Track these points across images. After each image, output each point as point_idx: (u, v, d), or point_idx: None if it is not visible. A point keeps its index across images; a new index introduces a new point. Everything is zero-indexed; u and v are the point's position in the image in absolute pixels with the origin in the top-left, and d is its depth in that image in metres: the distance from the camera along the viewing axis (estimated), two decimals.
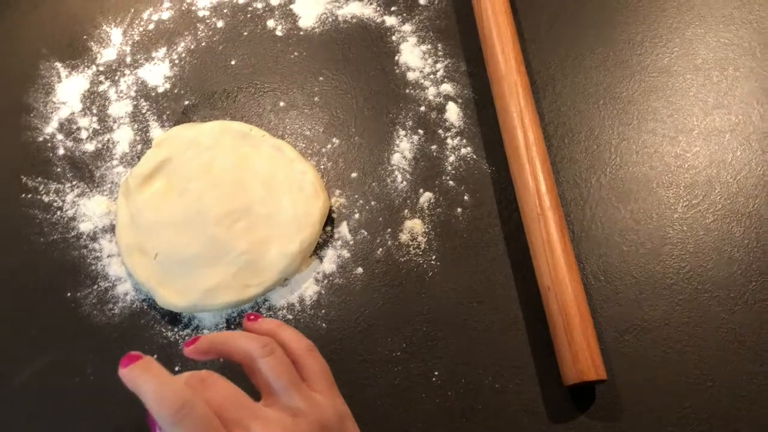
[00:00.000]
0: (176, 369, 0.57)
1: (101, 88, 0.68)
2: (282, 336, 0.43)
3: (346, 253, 0.60)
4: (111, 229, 0.62)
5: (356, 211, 0.62)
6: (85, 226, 0.62)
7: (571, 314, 0.53)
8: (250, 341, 0.41)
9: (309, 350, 0.43)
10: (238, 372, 0.42)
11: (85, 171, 0.65)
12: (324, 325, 0.58)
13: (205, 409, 0.35)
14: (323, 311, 0.58)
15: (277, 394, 0.39)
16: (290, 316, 0.58)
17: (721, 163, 0.61)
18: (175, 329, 0.58)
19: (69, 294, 0.60)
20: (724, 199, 0.60)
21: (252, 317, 0.45)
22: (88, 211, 0.63)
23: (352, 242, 0.61)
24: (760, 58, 0.65)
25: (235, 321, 0.58)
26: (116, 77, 0.68)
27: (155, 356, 0.57)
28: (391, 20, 0.69)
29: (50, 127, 0.67)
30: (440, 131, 0.64)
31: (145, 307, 0.59)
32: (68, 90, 0.68)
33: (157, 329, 0.59)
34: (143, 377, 0.35)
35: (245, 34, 0.69)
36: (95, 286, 0.60)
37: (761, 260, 0.58)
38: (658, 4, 0.68)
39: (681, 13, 0.68)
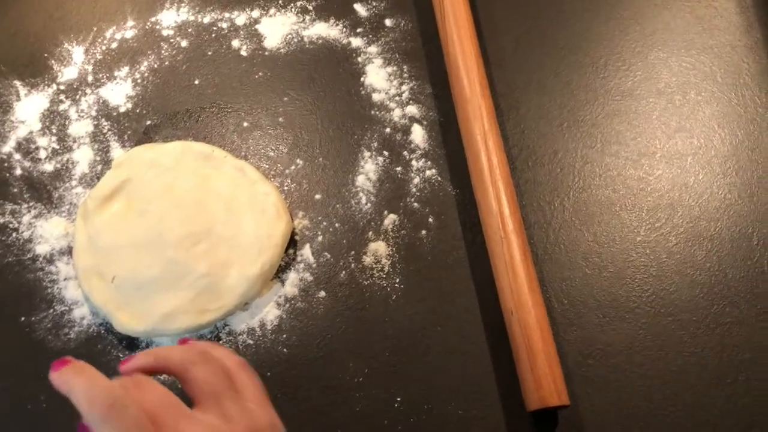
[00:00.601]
0: None
1: (61, 107, 0.67)
2: (215, 353, 0.42)
3: (308, 276, 0.59)
4: (69, 251, 0.61)
5: (320, 233, 0.61)
6: (41, 248, 0.61)
7: (533, 339, 0.53)
8: (186, 351, 0.41)
9: (242, 365, 0.42)
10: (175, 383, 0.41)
11: (43, 192, 0.63)
12: (285, 350, 0.57)
13: (136, 409, 0.34)
14: (284, 336, 0.57)
15: (211, 401, 0.39)
16: (251, 341, 0.57)
17: (684, 187, 0.62)
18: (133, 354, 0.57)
19: (23, 318, 0.59)
20: (687, 222, 0.60)
21: (185, 341, 0.45)
22: (45, 232, 0.62)
23: (314, 265, 0.60)
24: (720, 83, 0.66)
25: None
26: (77, 96, 0.67)
27: None
28: (357, 41, 0.69)
29: (7, 147, 0.65)
30: (405, 153, 0.64)
31: (102, 332, 0.58)
32: (27, 109, 0.67)
33: (114, 354, 0.57)
34: (75, 379, 0.35)
35: (209, 53, 0.69)
36: (51, 310, 0.59)
37: (723, 283, 0.58)
38: (621, 28, 0.69)
39: (644, 37, 0.68)
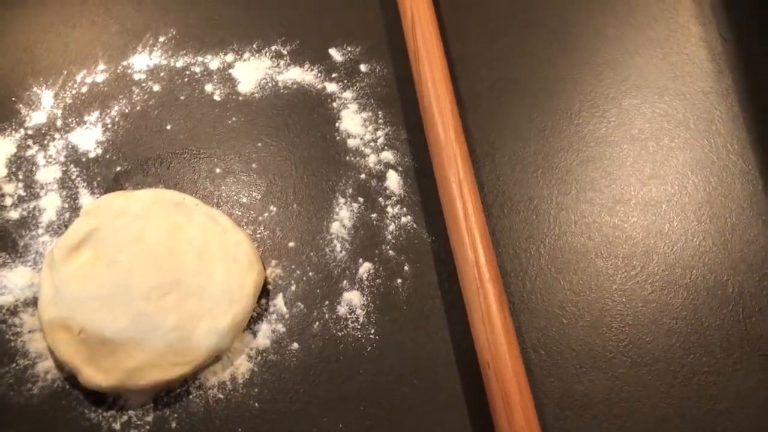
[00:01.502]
0: None
1: (29, 152, 0.65)
2: None
3: (281, 328, 0.58)
4: (33, 302, 0.59)
5: (293, 282, 0.60)
6: (5, 299, 0.59)
7: (511, 392, 0.52)
8: None
9: None
10: None
11: (8, 240, 0.62)
12: (257, 405, 0.55)
13: None
14: (256, 390, 0.56)
15: None
16: (221, 396, 0.56)
17: (659, 234, 0.62)
18: (99, 410, 0.55)
19: None
20: (662, 270, 0.60)
21: None
22: (9, 282, 0.60)
23: (287, 316, 0.59)
24: (693, 129, 0.66)
25: (162, 401, 0.55)
26: (45, 141, 0.66)
27: None
28: (332, 87, 0.68)
29: None
30: (380, 199, 0.63)
31: (67, 387, 0.56)
32: None
33: (79, 410, 0.55)
34: None
35: (182, 98, 0.68)
36: (13, 365, 0.57)
37: (699, 332, 0.58)
38: (595, 74, 0.69)
39: (617, 83, 0.69)
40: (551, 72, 0.69)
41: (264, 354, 0.57)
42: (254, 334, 0.58)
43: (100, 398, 0.56)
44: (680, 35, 0.71)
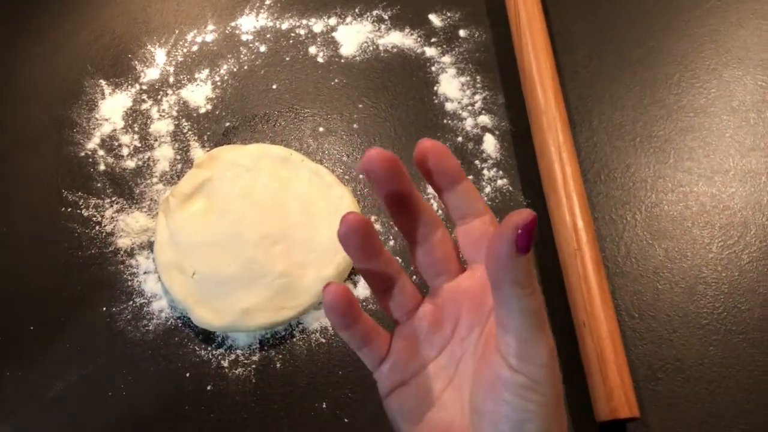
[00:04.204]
0: (208, 388, 0.57)
1: (143, 106, 0.69)
2: None
3: None
4: (148, 245, 0.63)
5: (391, 237, 0.62)
6: (122, 242, 0.63)
7: (606, 351, 0.53)
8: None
9: None
10: None
11: (125, 187, 0.66)
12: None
13: None
14: None
15: None
16: (323, 339, 0.59)
17: (757, 205, 0.62)
18: (209, 348, 0.59)
19: (104, 309, 0.61)
20: (759, 240, 0.60)
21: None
22: (127, 227, 0.64)
23: None
24: None
25: (268, 342, 0.58)
26: (159, 96, 0.69)
27: (187, 374, 0.58)
28: (431, 51, 0.70)
29: (92, 143, 0.68)
30: (477, 162, 0.65)
31: (180, 325, 0.60)
32: (111, 107, 0.69)
33: (190, 347, 0.59)
34: None
35: (287, 59, 0.71)
36: (131, 302, 0.61)
37: None
38: (696, 46, 0.69)
39: (719, 55, 0.68)
40: (651, 42, 0.69)
41: (363, 303, 0.60)
42: (355, 284, 0.60)
43: (209, 337, 0.59)
44: None
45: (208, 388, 0.57)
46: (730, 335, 0.57)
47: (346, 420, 0.56)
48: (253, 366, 0.58)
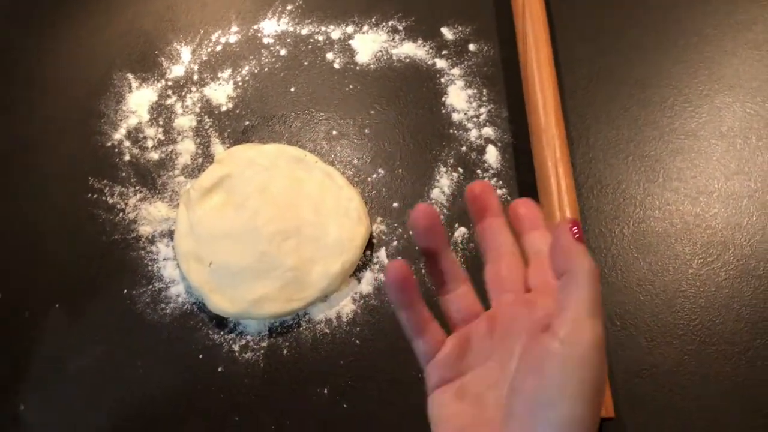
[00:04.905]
0: (219, 369, 0.62)
1: (168, 101, 0.73)
2: None
3: (382, 277, 0.65)
4: (168, 234, 0.67)
5: (395, 238, 0.67)
6: (144, 229, 0.68)
7: None
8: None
9: None
10: None
11: (149, 178, 0.70)
12: (358, 342, 0.63)
13: None
14: (358, 329, 0.63)
15: None
16: (327, 330, 0.63)
17: (737, 226, 0.66)
18: (221, 333, 0.63)
19: (125, 291, 0.65)
20: (737, 259, 0.65)
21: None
22: (149, 215, 0.68)
23: None
24: None
25: (276, 330, 0.63)
26: (183, 93, 0.74)
27: (200, 356, 0.62)
28: (441, 63, 0.74)
29: (119, 134, 0.72)
30: (479, 171, 0.69)
31: (195, 310, 0.65)
32: (138, 100, 0.74)
33: (204, 331, 0.64)
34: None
35: (305, 63, 0.75)
36: (150, 286, 0.66)
37: (767, 320, 0.62)
38: (691, 72, 0.73)
39: (712, 81, 0.73)
40: (649, 66, 0.73)
41: (366, 298, 0.64)
42: (359, 280, 0.65)
43: (222, 323, 0.64)
44: None
45: (219, 369, 0.62)
46: (703, 346, 0.62)
47: (345, 405, 0.60)
48: (262, 351, 0.63)
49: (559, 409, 0.33)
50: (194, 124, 0.72)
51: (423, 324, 0.41)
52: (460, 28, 0.76)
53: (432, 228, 0.41)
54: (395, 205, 0.68)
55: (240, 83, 0.74)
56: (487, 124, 0.71)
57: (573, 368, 0.33)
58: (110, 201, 0.69)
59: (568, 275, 0.35)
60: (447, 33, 0.76)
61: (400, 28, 0.76)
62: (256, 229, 0.64)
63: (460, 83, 0.73)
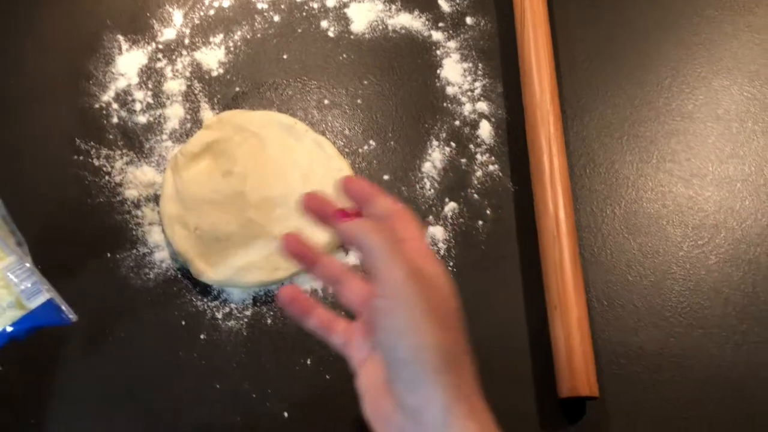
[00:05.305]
0: (202, 337, 0.61)
1: (158, 64, 0.72)
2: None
3: None
4: (154, 198, 0.66)
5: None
6: (130, 193, 0.67)
7: (573, 334, 0.58)
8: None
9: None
10: None
11: (136, 141, 0.69)
12: (343, 313, 0.62)
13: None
14: None
15: None
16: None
17: (729, 210, 0.66)
18: (205, 300, 0.63)
19: (109, 255, 0.64)
20: (728, 243, 0.64)
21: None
22: (135, 179, 0.67)
23: None
24: None
25: (261, 299, 0.62)
26: (173, 56, 0.72)
27: (183, 323, 0.62)
28: (437, 35, 0.73)
29: (107, 96, 0.71)
30: (471, 146, 0.68)
31: (179, 276, 0.64)
32: (127, 62, 0.72)
33: (188, 297, 0.63)
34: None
35: (299, 31, 0.73)
36: (134, 251, 0.64)
37: (755, 305, 0.62)
38: (690, 53, 0.72)
39: (710, 63, 0.72)
40: (648, 46, 0.73)
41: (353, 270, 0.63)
42: (346, 251, 0.64)
43: (206, 290, 0.63)
44: None
45: (202, 336, 0.61)
46: (690, 329, 0.61)
47: (327, 376, 0.60)
48: (245, 320, 0.62)
49: (401, 349, 0.37)
50: (184, 88, 0.71)
51: (328, 324, 0.46)
52: (457, 1, 0.75)
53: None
54: (386, 177, 0.67)
55: (232, 49, 0.73)
56: (482, 98, 0.70)
57: (397, 309, 0.38)
58: (96, 163, 0.68)
59: (357, 250, 0.41)
60: (444, 5, 0.74)
61: None
62: (243, 196, 0.63)
63: (455, 56, 0.72)
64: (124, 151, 0.68)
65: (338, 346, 0.45)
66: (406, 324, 0.38)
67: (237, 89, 0.71)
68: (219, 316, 0.62)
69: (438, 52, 0.73)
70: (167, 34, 0.73)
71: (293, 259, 0.46)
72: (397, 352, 0.38)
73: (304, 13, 0.74)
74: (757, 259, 0.64)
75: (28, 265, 0.52)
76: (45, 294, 0.51)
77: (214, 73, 0.72)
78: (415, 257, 0.40)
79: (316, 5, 0.74)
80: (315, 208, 0.46)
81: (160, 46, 0.73)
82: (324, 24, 0.74)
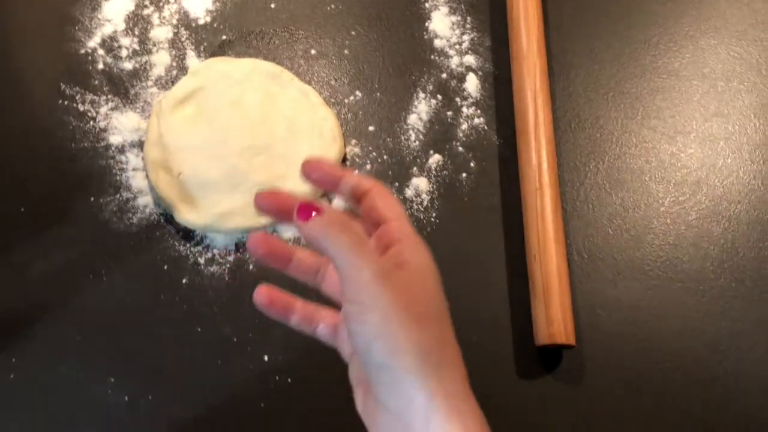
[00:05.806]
0: (183, 281, 0.61)
1: (145, 11, 0.71)
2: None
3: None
4: (139, 144, 0.66)
5: (368, 162, 0.66)
6: (114, 139, 0.66)
7: (551, 283, 0.58)
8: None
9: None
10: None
11: (121, 87, 0.68)
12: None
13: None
14: None
15: None
16: None
17: (712, 167, 0.66)
18: (188, 245, 0.63)
19: (92, 199, 0.64)
20: (709, 200, 0.65)
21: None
22: (120, 124, 0.67)
23: None
24: (764, 75, 0.69)
25: (243, 245, 0.63)
26: (161, 3, 0.72)
27: (165, 267, 0.62)
28: None
29: (93, 42, 0.70)
30: (457, 99, 0.68)
31: (162, 221, 0.64)
32: (114, 9, 0.71)
33: (170, 242, 0.63)
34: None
35: None
36: (118, 195, 0.65)
37: (733, 260, 0.63)
38: (679, 10, 0.72)
39: (698, 22, 0.72)
40: (636, 4, 0.72)
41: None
42: (329, 200, 0.64)
43: (189, 235, 0.63)
44: None
45: (184, 281, 0.62)
46: (668, 282, 0.62)
47: None
48: (228, 265, 0.62)
49: (375, 353, 0.35)
50: (170, 35, 0.71)
51: (311, 318, 0.44)
52: None
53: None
54: (371, 128, 0.67)
55: None
56: (469, 52, 0.70)
57: (363, 316, 0.35)
58: (81, 108, 0.68)
59: (321, 253, 0.38)
60: None
61: None
62: (226, 142, 0.63)
63: (444, 9, 0.72)
64: (109, 96, 0.68)
65: (326, 339, 0.44)
66: (376, 329, 0.35)
67: (224, 37, 0.71)
68: (201, 261, 0.62)
69: (426, 4, 0.72)
70: None
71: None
72: (371, 356, 0.35)
73: None
74: (737, 215, 0.64)
75: None
76: None
77: (201, 21, 0.71)
78: (396, 243, 0.38)
79: None
80: (268, 207, 0.42)
81: None
82: None
